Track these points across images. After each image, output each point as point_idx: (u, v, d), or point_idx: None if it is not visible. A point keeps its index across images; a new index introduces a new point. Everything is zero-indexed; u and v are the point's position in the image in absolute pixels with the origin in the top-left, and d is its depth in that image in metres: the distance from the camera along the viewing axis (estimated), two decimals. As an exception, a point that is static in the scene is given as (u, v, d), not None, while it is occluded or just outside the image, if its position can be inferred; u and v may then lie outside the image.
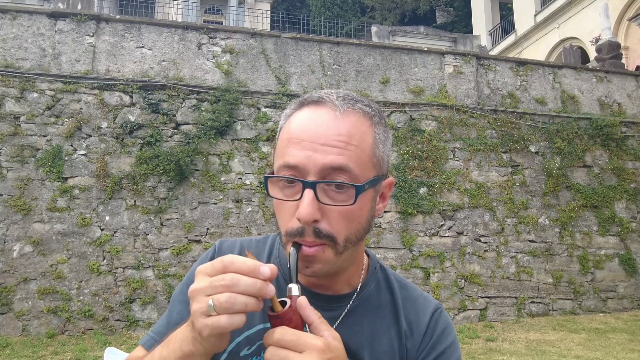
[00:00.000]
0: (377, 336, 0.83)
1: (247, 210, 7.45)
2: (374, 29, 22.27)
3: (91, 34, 7.61)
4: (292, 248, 0.71)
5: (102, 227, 6.93)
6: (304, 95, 0.82)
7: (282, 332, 0.62)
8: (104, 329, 6.49)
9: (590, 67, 10.26)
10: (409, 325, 0.85)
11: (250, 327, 0.83)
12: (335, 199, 0.72)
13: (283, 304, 0.66)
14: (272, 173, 0.77)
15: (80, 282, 6.66)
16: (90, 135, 7.22)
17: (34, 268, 6.57)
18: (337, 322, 0.82)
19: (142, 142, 7.33)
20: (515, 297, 7.89)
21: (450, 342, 0.85)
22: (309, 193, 0.71)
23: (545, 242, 8.32)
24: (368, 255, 0.91)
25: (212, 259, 0.88)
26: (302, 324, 0.64)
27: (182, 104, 7.64)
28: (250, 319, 0.83)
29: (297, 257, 0.71)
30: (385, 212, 7.82)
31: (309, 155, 0.72)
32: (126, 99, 7.45)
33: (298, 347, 0.61)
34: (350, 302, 0.84)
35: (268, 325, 0.82)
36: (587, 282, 8.28)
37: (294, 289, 0.66)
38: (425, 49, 9.41)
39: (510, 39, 19.93)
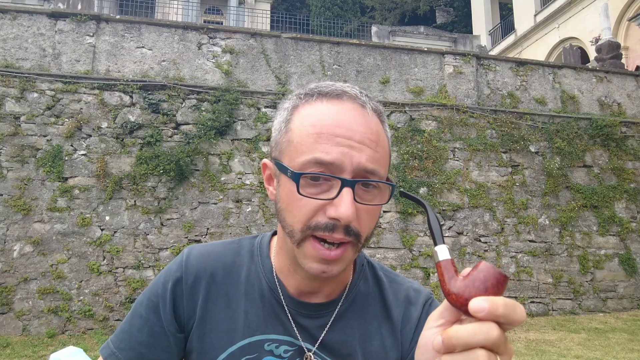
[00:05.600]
0: (367, 337, 0.82)
1: (247, 210, 7.46)
2: (374, 29, 22.27)
3: (91, 34, 7.61)
4: (428, 208, 0.64)
5: (102, 227, 6.93)
6: (314, 86, 0.77)
7: (491, 330, 0.47)
8: (104, 329, 6.50)
9: (590, 67, 10.26)
10: (402, 319, 0.84)
11: (233, 344, 0.80)
12: (364, 198, 0.70)
13: None
14: (287, 167, 0.72)
15: (81, 282, 6.66)
16: (90, 135, 7.22)
17: (34, 268, 6.57)
18: (327, 327, 0.81)
19: (142, 142, 7.33)
20: (515, 297, 7.89)
21: None
22: (349, 192, 0.68)
23: (545, 242, 8.32)
24: None
25: (180, 267, 0.83)
26: None
27: (182, 104, 7.64)
28: (233, 335, 0.80)
29: (437, 219, 0.62)
30: (385, 212, 7.82)
31: (345, 152, 0.69)
32: (126, 99, 7.46)
33: (501, 350, 0.48)
34: (339, 305, 0.82)
35: (253, 339, 0.79)
36: (586, 282, 8.28)
37: (445, 251, 0.56)
38: (425, 49, 9.41)
39: (510, 39, 19.93)
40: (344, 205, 0.67)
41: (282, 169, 0.73)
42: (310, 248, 0.71)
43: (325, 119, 0.72)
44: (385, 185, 0.72)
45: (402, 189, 0.71)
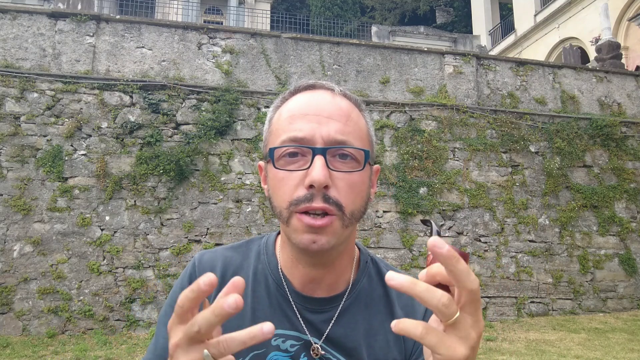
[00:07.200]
0: (372, 332, 0.84)
1: (247, 210, 7.46)
2: (374, 29, 22.27)
3: (91, 34, 7.61)
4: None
5: (102, 227, 6.93)
6: (293, 85, 0.86)
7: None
8: (104, 329, 6.50)
9: (590, 67, 10.26)
10: (406, 315, 0.85)
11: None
12: (341, 169, 0.75)
13: None
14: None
15: (81, 282, 6.66)
16: (90, 135, 7.22)
17: (34, 268, 6.57)
18: (332, 322, 0.83)
19: (142, 142, 7.33)
20: (515, 297, 7.90)
21: None
22: (320, 159, 0.73)
23: (545, 242, 8.32)
24: (359, 249, 0.91)
25: (191, 275, 0.87)
26: None
27: (182, 104, 7.64)
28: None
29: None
30: (385, 212, 7.83)
31: (315, 127, 0.75)
32: (126, 99, 7.46)
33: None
34: (344, 301, 0.85)
35: (260, 352, 0.80)
36: (586, 282, 8.28)
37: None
38: (425, 49, 9.41)
39: (510, 39, 19.93)
40: (315, 169, 0.72)
41: (265, 157, 0.81)
42: (296, 221, 0.74)
43: (298, 105, 0.80)
44: (362, 156, 0.77)
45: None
